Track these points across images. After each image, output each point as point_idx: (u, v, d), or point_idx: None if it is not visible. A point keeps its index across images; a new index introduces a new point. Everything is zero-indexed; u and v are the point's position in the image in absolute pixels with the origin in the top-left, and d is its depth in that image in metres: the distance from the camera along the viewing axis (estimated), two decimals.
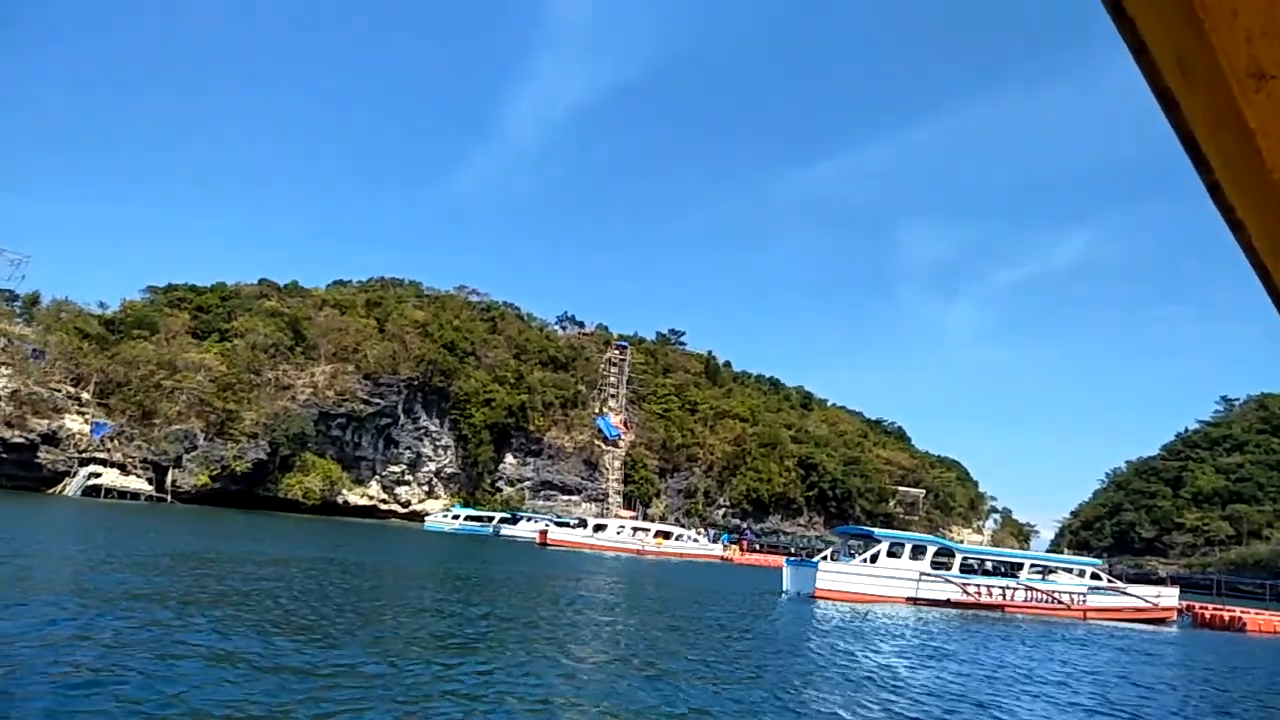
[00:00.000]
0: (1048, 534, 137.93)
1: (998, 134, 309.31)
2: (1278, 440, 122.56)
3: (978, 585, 33.78)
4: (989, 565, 37.52)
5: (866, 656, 16.29)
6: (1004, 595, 34.09)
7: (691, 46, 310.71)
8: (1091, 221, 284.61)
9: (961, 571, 34.27)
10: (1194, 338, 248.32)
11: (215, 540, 32.23)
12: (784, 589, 32.98)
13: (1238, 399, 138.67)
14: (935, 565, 33.96)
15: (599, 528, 64.85)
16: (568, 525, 67.07)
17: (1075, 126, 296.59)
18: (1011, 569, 36.39)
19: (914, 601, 32.31)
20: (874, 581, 32.04)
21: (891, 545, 33.44)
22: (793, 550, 77.29)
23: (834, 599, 30.82)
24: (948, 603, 32.69)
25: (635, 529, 66.65)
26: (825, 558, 34.77)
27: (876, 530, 35.09)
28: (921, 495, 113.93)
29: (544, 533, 62.44)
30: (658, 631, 17.28)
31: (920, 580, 32.57)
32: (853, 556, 34.01)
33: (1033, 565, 36.60)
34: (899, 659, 16.45)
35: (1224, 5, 0.77)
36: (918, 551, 33.52)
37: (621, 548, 62.44)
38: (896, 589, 32.24)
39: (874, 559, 32.83)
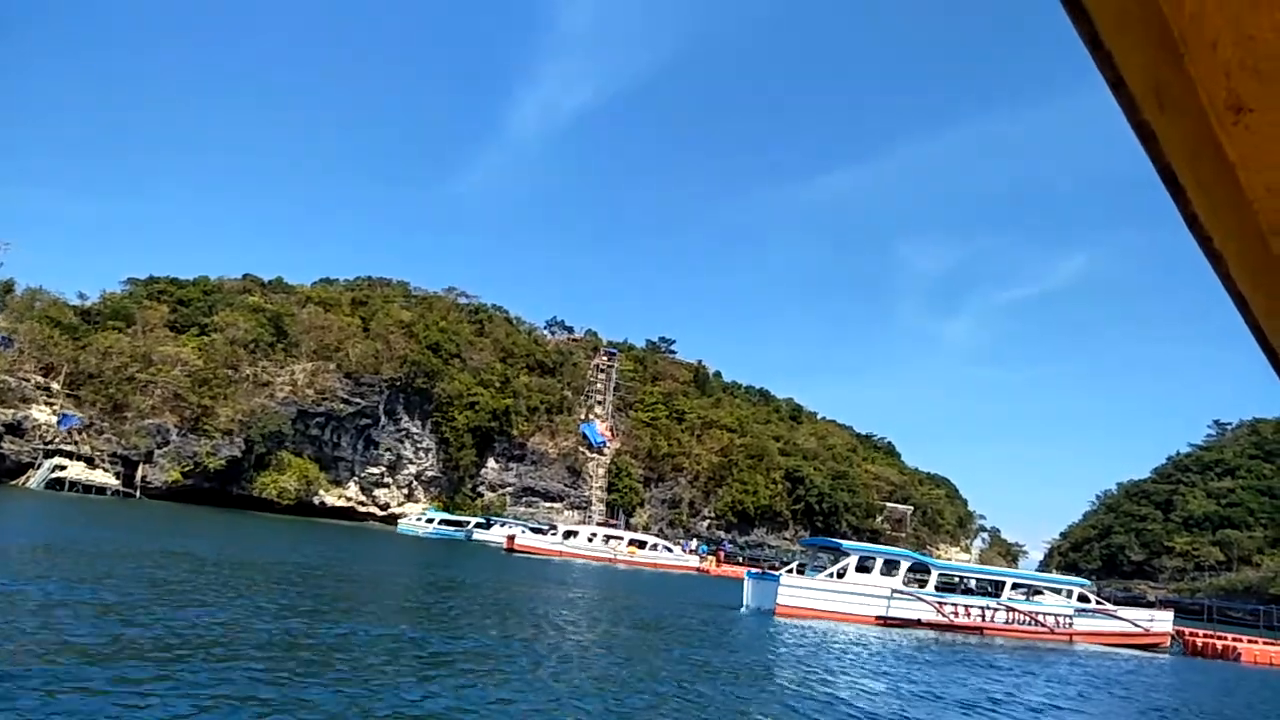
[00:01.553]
0: (1036, 555, 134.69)
1: (998, 151, 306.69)
2: (1269, 466, 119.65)
3: (955, 605, 30.56)
4: (970, 584, 34.40)
5: (791, 690, 13.21)
6: (983, 616, 30.86)
7: (694, 55, 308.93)
8: (1090, 241, 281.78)
9: (938, 590, 31.08)
10: (1188, 360, 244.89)
11: (159, 539, 29.19)
12: (744, 604, 29.87)
13: (1230, 423, 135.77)
14: (910, 582, 30.79)
15: (569, 534, 61.58)
16: (541, 532, 63.82)
17: (1075, 146, 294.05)
18: (993, 588, 33.23)
19: (884, 621, 29.09)
20: (840, 598, 28.83)
21: (862, 559, 30.19)
22: (775, 564, 73.84)
23: (796, 617, 27.68)
24: (919, 623, 29.50)
25: (608, 537, 63.36)
26: (791, 570, 31.64)
27: (845, 543, 31.81)
28: (909, 512, 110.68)
29: (511, 538, 59.19)
30: (577, 650, 14.22)
31: (892, 598, 29.35)
32: (820, 570, 30.81)
33: (1016, 584, 33.34)
34: (836, 690, 13.37)
35: (1203, 38, 0.75)
36: (890, 567, 30.29)
37: (592, 556, 59.22)
38: (865, 607, 29.01)
39: (841, 574, 29.58)
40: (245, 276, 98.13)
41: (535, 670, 11.99)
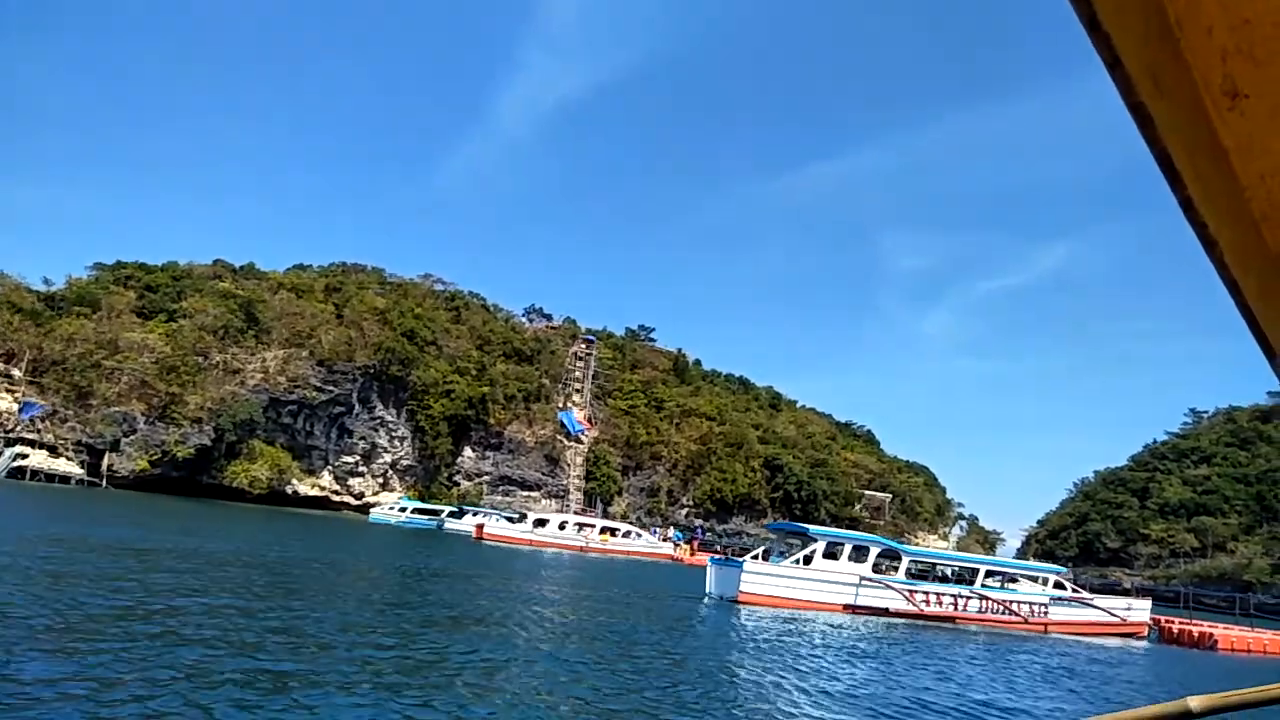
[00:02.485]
0: (1014, 542, 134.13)
1: (982, 145, 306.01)
2: (1245, 453, 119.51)
3: (926, 593, 29.19)
4: (946, 571, 33.10)
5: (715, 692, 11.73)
6: (956, 605, 29.49)
7: (678, 51, 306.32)
8: (1070, 234, 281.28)
9: (910, 577, 29.69)
10: (1165, 351, 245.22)
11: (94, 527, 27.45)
12: (707, 592, 28.43)
13: (1206, 411, 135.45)
14: (880, 569, 29.39)
15: (540, 522, 59.87)
16: (511, 520, 62.06)
17: (1056, 138, 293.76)
18: (967, 576, 31.88)
19: (853, 610, 27.67)
20: (806, 585, 27.34)
21: (829, 545, 28.69)
22: (743, 551, 72.49)
23: (759, 605, 26.23)
24: (886, 612, 28.05)
25: (579, 525, 61.73)
26: (755, 556, 30.18)
27: (812, 528, 30.31)
28: (888, 500, 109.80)
29: (480, 527, 57.50)
30: (509, 650, 12.68)
31: (860, 586, 27.93)
32: (787, 556, 29.35)
33: (990, 572, 31.98)
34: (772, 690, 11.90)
35: (1198, 23, 0.74)
36: (859, 553, 28.81)
37: (563, 544, 57.59)
38: (832, 595, 27.55)
39: (808, 560, 28.13)
40: (216, 262, 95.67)
41: (459, 673, 10.47)
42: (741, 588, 26.58)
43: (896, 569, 29.49)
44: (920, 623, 27.47)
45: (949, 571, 32.82)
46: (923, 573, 31.46)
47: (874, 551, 28.89)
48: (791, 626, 21.49)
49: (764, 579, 26.96)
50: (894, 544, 31.08)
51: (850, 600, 27.75)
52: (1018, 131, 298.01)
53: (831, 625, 22.95)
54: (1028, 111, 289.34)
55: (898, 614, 28.08)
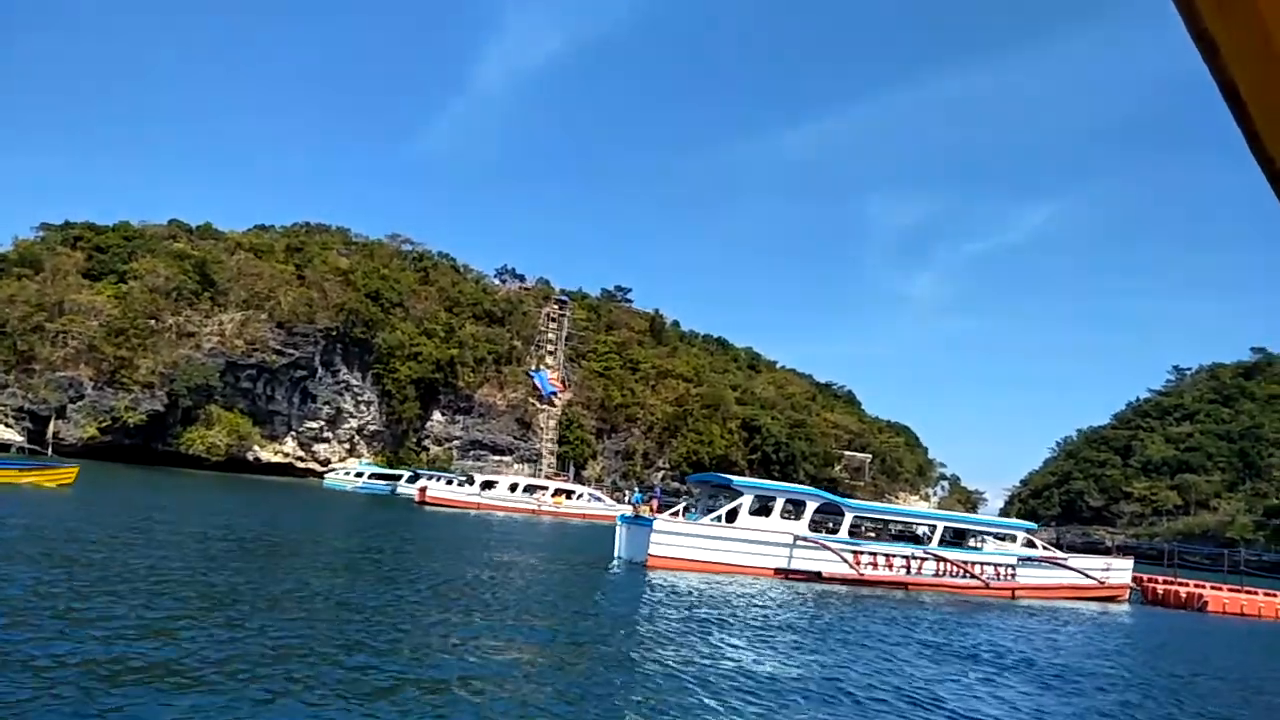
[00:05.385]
0: (997, 502, 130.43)
1: (965, 106, 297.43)
2: (1228, 410, 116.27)
3: (872, 554, 24.53)
4: (909, 530, 28.59)
5: None
6: (907, 568, 24.85)
7: (656, 11, 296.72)
8: (1055, 194, 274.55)
9: (853, 536, 25.05)
10: (1149, 310, 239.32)
11: None
12: (616, 555, 23.84)
13: (1189, 369, 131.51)
14: (819, 527, 24.75)
15: (488, 485, 55.32)
16: (471, 482, 57.22)
17: (1041, 99, 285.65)
18: (927, 534, 27.29)
19: (785, 575, 23.02)
20: (729, 547, 22.60)
21: (758, 499, 23.87)
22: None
23: (672, 569, 21.63)
24: (819, 576, 23.37)
25: (530, 487, 57.22)
26: (676, 513, 25.50)
27: (736, 479, 25.52)
28: (868, 460, 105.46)
29: (423, 490, 52.82)
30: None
31: (795, 546, 23.26)
32: (711, 512, 24.60)
33: (948, 528, 27.27)
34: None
35: None
36: (794, 508, 24.09)
37: (513, 507, 52.97)
38: (760, 557, 22.82)
39: (732, 516, 23.47)
40: (171, 222, 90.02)
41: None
42: (651, 550, 21.95)
43: (838, 527, 24.82)
44: (864, 589, 22.86)
45: (899, 529, 28.33)
46: (871, 531, 26.90)
47: (811, 506, 24.15)
48: (693, 598, 16.92)
49: (677, 539, 22.27)
50: (834, 498, 26.37)
51: (783, 564, 23.11)
52: (1001, 92, 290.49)
53: (740, 595, 18.31)
54: (1011, 72, 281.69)
55: (836, 579, 23.42)
